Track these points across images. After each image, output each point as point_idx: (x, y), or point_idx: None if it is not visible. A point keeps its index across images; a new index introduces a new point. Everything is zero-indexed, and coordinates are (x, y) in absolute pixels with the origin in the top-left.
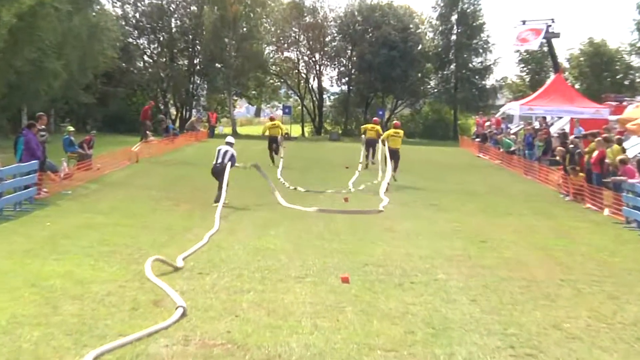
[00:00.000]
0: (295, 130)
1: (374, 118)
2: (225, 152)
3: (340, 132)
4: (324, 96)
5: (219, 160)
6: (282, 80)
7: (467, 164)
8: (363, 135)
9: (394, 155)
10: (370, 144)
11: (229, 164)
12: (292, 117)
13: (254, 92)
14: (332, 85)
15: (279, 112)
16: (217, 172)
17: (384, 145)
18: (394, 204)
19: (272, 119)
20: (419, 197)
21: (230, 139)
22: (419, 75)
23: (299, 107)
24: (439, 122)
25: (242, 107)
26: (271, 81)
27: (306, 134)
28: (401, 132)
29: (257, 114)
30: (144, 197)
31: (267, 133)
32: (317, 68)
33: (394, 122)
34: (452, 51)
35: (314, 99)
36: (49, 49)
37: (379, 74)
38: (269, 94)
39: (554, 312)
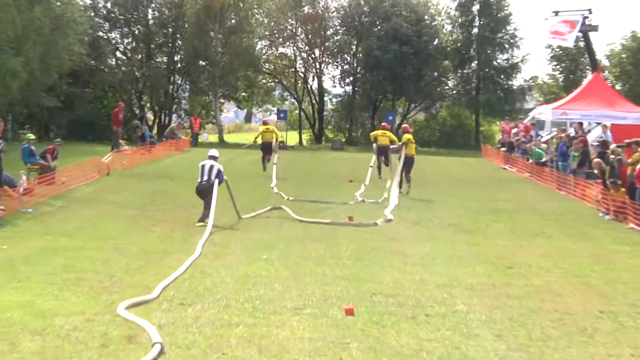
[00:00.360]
0: (292, 137)
1: (383, 123)
2: (211, 167)
3: (343, 140)
4: (325, 99)
5: (205, 178)
6: (276, 80)
7: (491, 177)
8: (374, 144)
9: (409, 163)
10: (383, 152)
11: (217, 181)
12: (288, 123)
13: (243, 94)
14: (334, 86)
15: (273, 117)
16: (203, 191)
17: (403, 150)
18: (407, 222)
19: (265, 123)
20: (435, 215)
21: (214, 152)
22: (435, 74)
23: (296, 112)
24: (458, 129)
25: (230, 112)
26: (264, 81)
27: (304, 142)
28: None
29: (248, 119)
30: (116, 216)
31: (259, 140)
32: (317, 66)
33: (403, 125)
34: (474, 47)
35: (314, 101)
36: (5, 44)
37: (389, 72)
38: (261, 96)
39: (592, 350)
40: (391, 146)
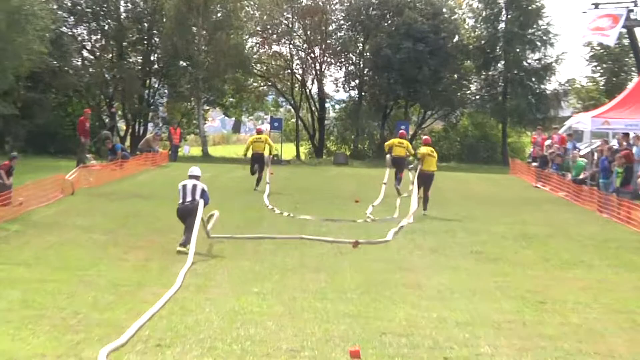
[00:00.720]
0: (288, 150)
1: (401, 131)
2: (194, 187)
3: (348, 153)
4: (327, 105)
5: (189, 198)
6: (269, 83)
7: (521, 196)
8: (388, 155)
9: (428, 180)
10: (398, 164)
11: (201, 201)
12: (283, 134)
13: (231, 99)
14: (337, 91)
15: (266, 127)
16: (186, 213)
17: (420, 164)
18: (422, 249)
19: (259, 132)
20: (456, 241)
21: (195, 170)
22: (455, 76)
23: (293, 120)
24: (482, 140)
25: (215, 120)
26: (255, 85)
27: (302, 156)
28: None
29: (236, 128)
30: (83, 243)
31: (249, 152)
32: (317, 67)
33: (424, 137)
34: (500, 44)
35: (313, 108)
36: None
37: (401, 75)
38: (252, 102)
39: None
40: (410, 165)
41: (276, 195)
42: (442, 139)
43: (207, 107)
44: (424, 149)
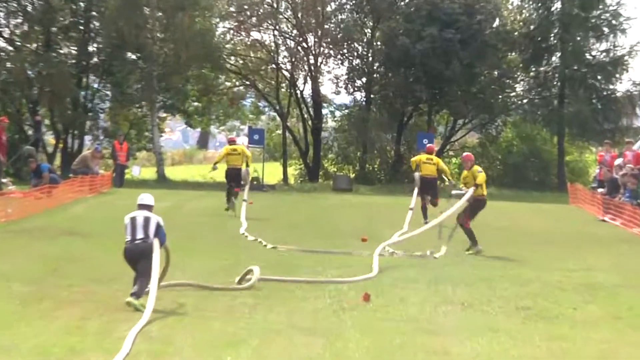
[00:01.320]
0: (272, 172)
1: (428, 145)
2: (146, 220)
3: (352, 175)
4: (324, 111)
5: (139, 235)
6: (247, 83)
7: (582, 233)
8: (417, 173)
9: (477, 209)
10: (428, 186)
11: (156, 241)
12: (265, 150)
13: (196, 104)
14: (337, 92)
15: (243, 141)
16: (137, 255)
17: (471, 192)
18: (451, 303)
19: (231, 141)
20: (497, 293)
21: (146, 198)
22: (495, 74)
23: (278, 132)
24: (531, 159)
25: (174, 132)
26: (228, 84)
27: (291, 180)
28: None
29: (203, 143)
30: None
31: (221, 165)
32: (312, 61)
33: (465, 154)
34: (555, 31)
35: (306, 116)
36: None
37: (423, 71)
38: (223, 108)
39: None
40: (453, 190)
41: (258, 227)
42: (478, 155)
43: (164, 115)
44: (482, 176)
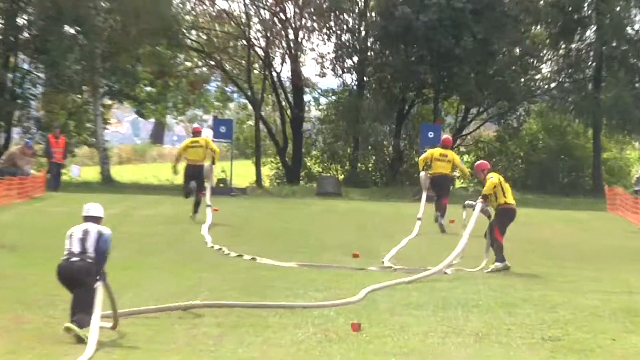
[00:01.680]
0: (243, 173)
1: (445, 136)
2: (85, 233)
3: (341, 177)
4: (307, 98)
5: (76, 249)
6: (211, 63)
7: (623, 247)
8: (423, 173)
9: (505, 220)
10: (440, 185)
11: (97, 258)
12: (234, 146)
13: (148, 88)
14: (322, 75)
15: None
16: (70, 277)
17: (489, 200)
18: (462, 332)
19: (196, 132)
20: (518, 319)
21: (92, 209)
22: (517, 51)
23: (250, 124)
24: (561, 157)
25: (122, 124)
26: (188, 65)
27: (266, 182)
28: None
29: (157, 137)
30: None
31: (178, 167)
32: (291, 36)
33: (479, 163)
34: (589, 0)
35: (284, 104)
36: None
37: (428, 49)
38: (182, 94)
39: None
40: (466, 201)
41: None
42: (496, 152)
43: (110, 102)
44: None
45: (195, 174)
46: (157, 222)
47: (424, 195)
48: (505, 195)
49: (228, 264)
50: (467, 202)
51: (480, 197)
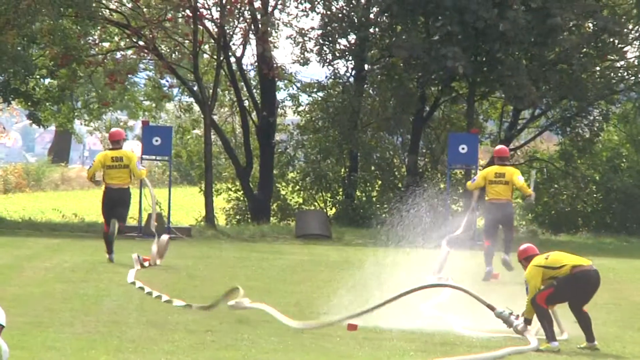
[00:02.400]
0: (186, 204)
1: (500, 147)
2: None
3: (332, 212)
4: (281, 95)
5: None
6: (139, 44)
7: None
8: (474, 203)
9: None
10: (503, 215)
11: None
12: (173, 165)
13: (47, 80)
14: (303, 61)
15: (132, 147)
16: None
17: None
18: None
19: (114, 137)
20: None
21: None
22: (590, 27)
23: (197, 133)
24: None
25: (8, 133)
26: (105, 46)
27: (220, 219)
28: None
29: (59, 153)
30: None
31: (98, 179)
32: (257, 4)
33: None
34: None
35: (247, 103)
36: None
37: (460, 23)
38: (99, 89)
39: None
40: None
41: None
42: (559, 175)
43: None
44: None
45: (117, 200)
46: (58, 278)
47: (467, 217)
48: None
49: (162, 340)
50: (498, 310)
51: (522, 320)
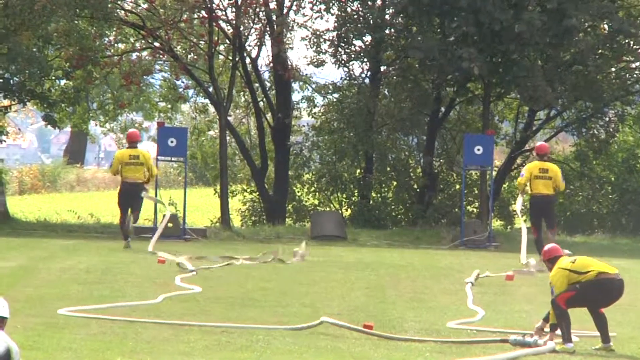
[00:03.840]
0: (202, 205)
1: (540, 144)
2: None
3: (347, 213)
4: (296, 97)
5: None
6: (155, 45)
7: None
8: (520, 199)
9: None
10: (544, 209)
11: None
12: (188, 167)
13: (63, 82)
14: (317, 63)
15: (147, 147)
16: None
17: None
18: None
19: (132, 139)
20: None
21: None
22: (605, 28)
23: (213, 135)
24: None
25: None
26: (121, 47)
27: (236, 221)
28: None
29: (74, 154)
30: None
31: (119, 176)
32: (271, 6)
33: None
34: None
35: (262, 104)
36: None
37: (475, 23)
38: (115, 90)
39: None
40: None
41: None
42: (575, 176)
43: (5, 103)
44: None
45: (132, 193)
46: (74, 279)
47: (524, 230)
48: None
49: (177, 340)
50: (511, 339)
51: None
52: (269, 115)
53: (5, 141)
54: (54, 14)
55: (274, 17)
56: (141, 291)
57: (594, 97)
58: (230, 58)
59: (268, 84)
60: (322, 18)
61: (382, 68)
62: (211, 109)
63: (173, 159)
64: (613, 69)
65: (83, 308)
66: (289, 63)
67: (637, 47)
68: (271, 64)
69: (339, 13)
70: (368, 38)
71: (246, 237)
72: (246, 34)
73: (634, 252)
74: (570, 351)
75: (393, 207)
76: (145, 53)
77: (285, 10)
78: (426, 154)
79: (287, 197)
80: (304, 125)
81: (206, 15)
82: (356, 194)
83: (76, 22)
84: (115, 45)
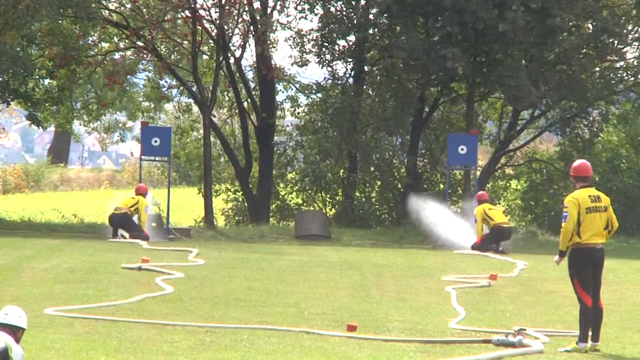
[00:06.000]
0: (185, 205)
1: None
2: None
3: (331, 213)
4: (280, 97)
5: None
6: (138, 45)
7: None
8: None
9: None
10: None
11: None
12: (172, 167)
13: (47, 81)
14: (302, 63)
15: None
16: None
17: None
18: None
19: (140, 193)
20: None
21: (12, 314)
22: (589, 27)
23: (197, 135)
24: None
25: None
26: (104, 46)
27: (219, 220)
28: None
29: (58, 153)
30: None
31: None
32: (257, 5)
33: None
34: None
35: (246, 104)
36: None
37: (459, 23)
38: (98, 89)
39: None
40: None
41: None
42: (558, 176)
43: None
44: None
45: (118, 221)
46: (57, 279)
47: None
48: (581, 235)
49: (161, 340)
50: (494, 339)
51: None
52: (253, 116)
53: None
54: (37, 13)
55: (258, 17)
56: (125, 291)
57: (578, 96)
58: (214, 58)
59: (252, 84)
60: (306, 18)
61: (366, 68)
62: (195, 108)
63: (157, 158)
64: (597, 69)
65: (69, 308)
66: (273, 63)
67: (622, 46)
68: (255, 64)
69: (323, 12)
70: (352, 38)
71: (230, 236)
72: (230, 34)
73: (618, 252)
74: (582, 351)
75: (377, 206)
76: (128, 52)
77: (269, 10)
78: (410, 153)
79: (270, 197)
80: (287, 125)
81: (190, 15)
82: (340, 193)
83: (60, 21)
84: (99, 44)
